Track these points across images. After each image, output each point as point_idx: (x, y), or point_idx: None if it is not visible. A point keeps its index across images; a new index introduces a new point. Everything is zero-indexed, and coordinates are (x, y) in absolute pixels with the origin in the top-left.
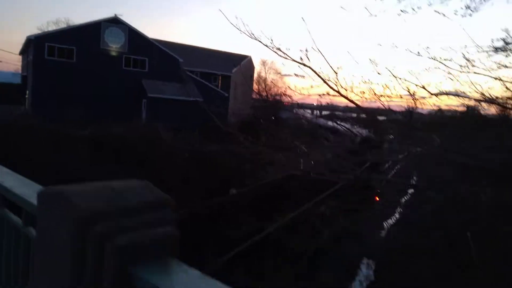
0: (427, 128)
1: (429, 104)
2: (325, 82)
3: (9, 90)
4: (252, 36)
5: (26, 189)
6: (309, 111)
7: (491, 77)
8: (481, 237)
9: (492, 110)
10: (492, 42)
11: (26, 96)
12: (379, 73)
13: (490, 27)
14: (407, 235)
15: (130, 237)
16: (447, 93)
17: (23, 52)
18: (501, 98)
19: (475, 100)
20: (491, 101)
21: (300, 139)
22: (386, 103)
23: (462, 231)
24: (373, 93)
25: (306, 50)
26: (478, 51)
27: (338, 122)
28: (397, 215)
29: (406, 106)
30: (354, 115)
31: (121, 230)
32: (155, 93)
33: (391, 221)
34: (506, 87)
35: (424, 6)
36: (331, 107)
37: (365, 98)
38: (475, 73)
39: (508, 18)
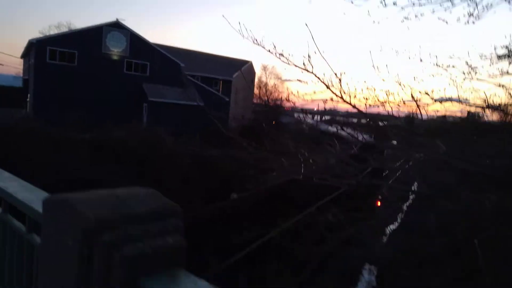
0: (429, 134)
1: (432, 110)
2: (328, 88)
3: (10, 93)
4: (255, 41)
5: (30, 195)
6: (310, 116)
7: (494, 84)
8: (487, 244)
9: (493, 116)
10: (495, 49)
11: (28, 99)
12: (383, 80)
13: (493, 34)
14: (409, 241)
15: (138, 247)
16: (450, 99)
17: (24, 55)
18: (504, 105)
19: (478, 106)
20: (494, 107)
21: (301, 144)
22: (389, 109)
23: (466, 238)
24: (376, 99)
25: (309, 56)
26: (481, 58)
27: (342, 128)
28: (399, 221)
29: (407, 112)
30: (355, 120)
31: (128, 240)
32: (156, 97)
33: (393, 227)
34: (510, 94)
35: (427, 13)
36: (332, 112)
37: (369, 105)
38: (478, 79)
39: (511, 25)
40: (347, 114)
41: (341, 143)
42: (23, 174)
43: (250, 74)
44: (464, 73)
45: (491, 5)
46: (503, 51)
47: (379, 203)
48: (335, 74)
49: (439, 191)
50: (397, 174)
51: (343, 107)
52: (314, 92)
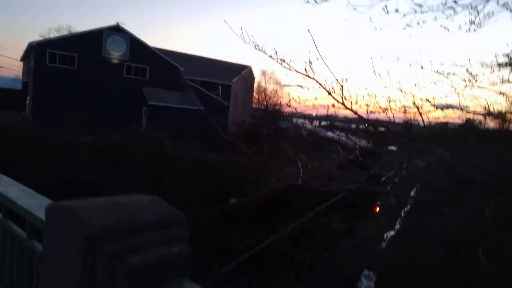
0: (428, 141)
1: (433, 117)
2: (330, 94)
3: (9, 95)
4: (257, 47)
5: (31, 201)
6: (309, 121)
7: (495, 91)
8: (487, 251)
9: (493, 123)
10: (496, 57)
11: (27, 102)
12: (386, 87)
13: (494, 42)
14: (408, 247)
15: (142, 257)
16: (451, 107)
17: (24, 58)
18: (504, 112)
19: (479, 114)
20: (494, 115)
21: (300, 149)
22: (390, 115)
23: (466, 244)
24: (377, 105)
25: (310, 62)
26: (482, 66)
27: (341, 134)
28: (397, 227)
29: (406, 118)
30: (353, 125)
31: (132, 249)
32: (155, 101)
33: (391, 233)
34: (510, 102)
35: (430, 21)
36: (331, 118)
37: (370, 111)
38: (479, 87)
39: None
40: (346, 120)
41: (340, 149)
42: (22, 176)
43: (250, 79)
44: (465, 81)
45: (492, 13)
46: (504, 59)
47: (377, 209)
48: (337, 80)
49: (439, 198)
50: (395, 180)
51: (344, 113)
52: (316, 98)
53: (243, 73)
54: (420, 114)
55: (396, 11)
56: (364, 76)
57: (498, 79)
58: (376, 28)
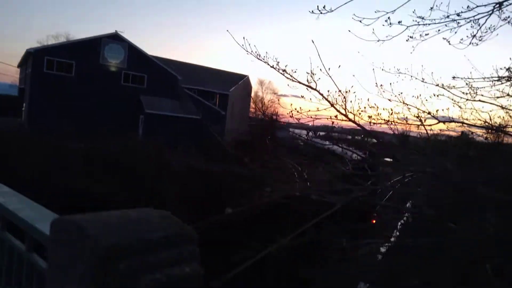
0: (427, 152)
1: (434, 130)
2: (332, 105)
3: (5, 101)
4: (259, 57)
5: (31, 212)
6: (306, 132)
7: (496, 105)
8: (494, 267)
9: (492, 137)
10: (497, 71)
11: (23, 108)
12: (389, 100)
13: (495, 56)
14: (404, 260)
15: (154, 277)
16: (453, 120)
17: (21, 64)
18: (504, 126)
19: (479, 127)
20: (494, 128)
21: (297, 160)
22: (392, 127)
23: (470, 260)
24: (379, 117)
25: (312, 73)
26: (484, 80)
27: (339, 145)
28: (393, 239)
29: (403, 130)
30: (349, 137)
31: (145, 269)
32: (152, 110)
33: (388, 245)
34: (510, 116)
35: (432, 33)
36: (327, 128)
37: (373, 123)
38: (480, 101)
39: None
40: (343, 131)
41: (337, 160)
42: (16, 180)
43: (247, 88)
44: (465, 94)
45: (494, 27)
46: (504, 73)
47: (374, 221)
48: (340, 92)
49: (438, 210)
50: (390, 193)
51: (346, 124)
52: (318, 109)
53: (240, 82)
54: (424, 126)
55: (399, 23)
56: (366, 88)
57: (499, 93)
58: (379, 40)
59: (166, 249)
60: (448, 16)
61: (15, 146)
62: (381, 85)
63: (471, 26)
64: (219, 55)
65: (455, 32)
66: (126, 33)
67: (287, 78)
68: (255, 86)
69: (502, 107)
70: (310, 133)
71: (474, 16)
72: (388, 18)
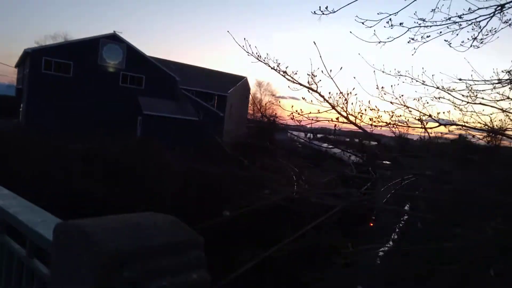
0: (425, 155)
1: (434, 133)
2: (333, 108)
3: (3, 102)
4: (259, 58)
5: (32, 216)
6: (304, 134)
7: (496, 108)
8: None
9: (492, 140)
10: (497, 74)
11: (20, 108)
12: (391, 103)
13: (496, 58)
14: (403, 263)
15: (162, 285)
16: (454, 123)
17: (19, 65)
18: (505, 129)
19: (480, 130)
20: (494, 131)
21: (296, 162)
22: (394, 130)
23: (471, 264)
24: (380, 120)
25: (313, 75)
26: (485, 83)
27: (344, 149)
28: (391, 243)
29: (401, 132)
30: (347, 139)
31: (151, 276)
32: (151, 111)
33: (385, 248)
34: (510, 119)
35: (434, 35)
36: (325, 131)
37: (374, 126)
38: (481, 104)
39: None
40: (342, 133)
41: (335, 162)
42: (14, 180)
43: (245, 89)
44: (466, 97)
45: (495, 30)
46: (505, 76)
47: (372, 224)
48: (341, 94)
49: (436, 213)
50: (388, 196)
51: (347, 127)
52: (319, 111)
53: (239, 84)
54: (426, 129)
55: (400, 24)
56: (367, 90)
57: (499, 96)
58: (380, 41)
59: (172, 255)
60: (449, 18)
61: (13, 147)
62: (382, 87)
63: (472, 29)
64: (218, 56)
65: (457, 34)
66: (125, 33)
67: (288, 79)
68: (253, 88)
69: (503, 110)
70: (309, 135)
71: (475, 19)
72: (390, 19)
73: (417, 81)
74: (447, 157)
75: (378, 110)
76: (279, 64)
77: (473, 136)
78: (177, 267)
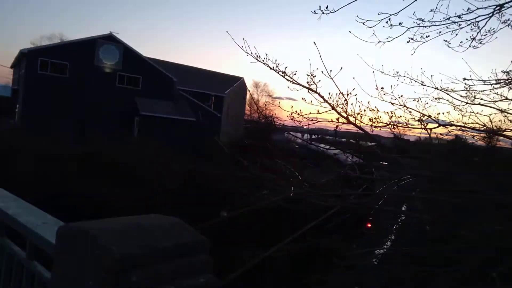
0: (422, 156)
1: (434, 133)
2: (333, 108)
3: None
4: (258, 58)
5: (33, 218)
6: (301, 135)
7: (495, 108)
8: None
9: (491, 141)
10: (496, 74)
11: (16, 109)
12: (392, 104)
13: (494, 59)
14: (400, 264)
15: None
16: (453, 124)
17: (15, 65)
18: (504, 130)
19: (479, 130)
20: (493, 132)
21: (292, 163)
22: (393, 131)
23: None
24: (379, 120)
25: (312, 75)
26: (484, 83)
27: (344, 150)
28: (389, 243)
29: (398, 133)
30: (344, 140)
31: (159, 280)
32: (147, 111)
33: (383, 250)
34: (508, 119)
35: (433, 35)
36: (322, 131)
37: (374, 127)
38: (479, 104)
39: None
40: (340, 134)
41: (332, 163)
42: (11, 182)
43: (242, 90)
44: (464, 97)
45: (493, 30)
46: (503, 76)
47: (369, 225)
48: (342, 94)
49: (434, 214)
50: (385, 196)
51: (346, 127)
52: (318, 112)
53: (236, 84)
54: (426, 130)
55: (400, 24)
56: (366, 91)
57: (498, 96)
58: (379, 41)
59: (178, 257)
60: (448, 18)
61: (9, 148)
62: (381, 87)
63: (471, 29)
64: (214, 57)
65: (456, 34)
66: (121, 34)
67: (288, 80)
68: (250, 88)
69: (501, 111)
70: (305, 136)
71: (475, 19)
72: (389, 19)
73: (416, 81)
74: (446, 158)
75: (378, 110)
76: (278, 64)
77: (473, 136)
78: (185, 271)
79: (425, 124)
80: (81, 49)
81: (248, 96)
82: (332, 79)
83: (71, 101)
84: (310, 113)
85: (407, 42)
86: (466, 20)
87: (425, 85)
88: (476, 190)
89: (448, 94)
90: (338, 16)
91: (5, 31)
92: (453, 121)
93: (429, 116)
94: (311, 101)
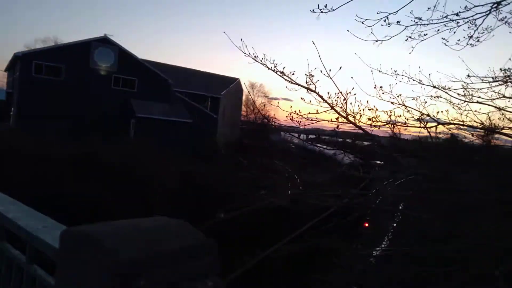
0: (420, 155)
1: (433, 132)
2: (332, 108)
3: None
4: (256, 59)
5: (32, 221)
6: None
7: (493, 106)
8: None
9: (489, 139)
10: (493, 72)
11: (11, 112)
12: (392, 103)
13: (492, 57)
14: (399, 264)
15: None
16: (451, 123)
17: (9, 68)
18: (502, 128)
19: (477, 128)
20: (491, 130)
21: (290, 163)
22: (393, 130)
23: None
24: (378, 120)
25: (311, 75)
26: (481, 81)
27: (343, 150)
28: (387, 243)
29: (394, 132)
30: (340, 139)
31: (167, 285)
32: (143, 113)
33: (380, 249)
34: (507, 118)
35: (431, 33)
36: (319, 131)
37: (373, 126)
38: (477, 102)
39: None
40: (339, 134)
41: (329, 163)
42: (6, 185)
43: (238, 91)
44: (462, 95)
45: (491, 28)
46: (500, 74)
47: (366, 224)
48: (341, 93)
49: (431, 213)
50: (384, 195)
51: (346, 127)
52: (317, 112)
53: (231, 85)
54: (426, 129)
55: (397, 23)
56: (364, 90)
57: (495, 94)
58: (377, 40)
59: (185, 261)
60: (446, 16)
61: (4, 151)
62: (380, 86)
63: (468, 27)
64: (210, 58)
65: (454, 32)
66: (116, 37)
67: (286, 80)
68: (246, 89)
69: (499, 109)
70: (302, 136)
71: (472, 16)
72: (387, 17)
73: (414, 80)
74: (445, 156)
75: (377, 109)
76: (276, 64)
77: (472, 134)
78: (192, 274)
79: (424, 123)
80: (75, 52)
81: (244, 97)
82: (331, 78)
83: (66, 104)
84: (309, 113)
85: (405, 40)
86: (464, 18)
87: (423, 84)
88: (475, 189)
89: (446, 92)
90: (337, 15)
91: (0, 34)
92: (451, 120)
93: (428, 115)
94: (310, 101)
